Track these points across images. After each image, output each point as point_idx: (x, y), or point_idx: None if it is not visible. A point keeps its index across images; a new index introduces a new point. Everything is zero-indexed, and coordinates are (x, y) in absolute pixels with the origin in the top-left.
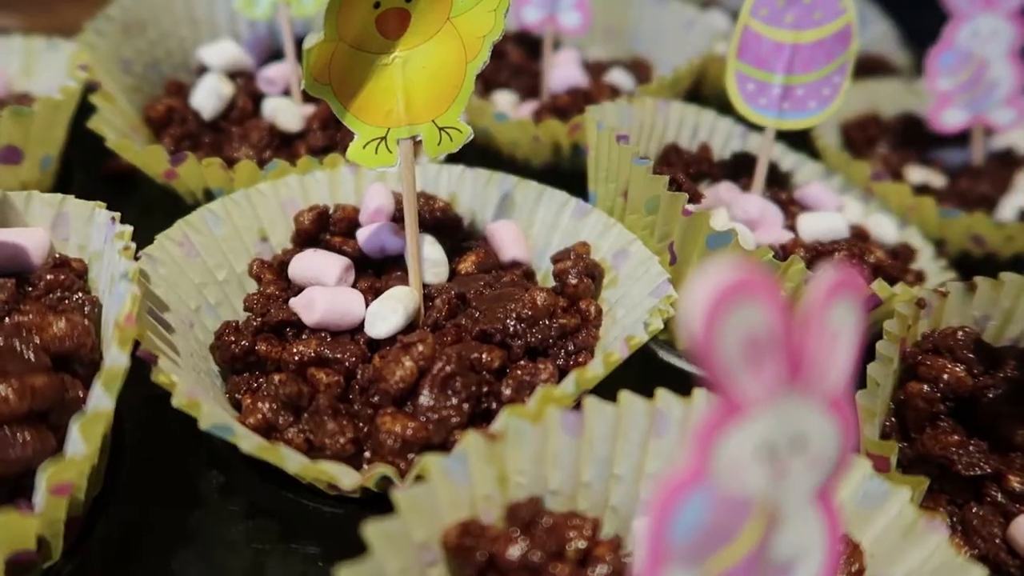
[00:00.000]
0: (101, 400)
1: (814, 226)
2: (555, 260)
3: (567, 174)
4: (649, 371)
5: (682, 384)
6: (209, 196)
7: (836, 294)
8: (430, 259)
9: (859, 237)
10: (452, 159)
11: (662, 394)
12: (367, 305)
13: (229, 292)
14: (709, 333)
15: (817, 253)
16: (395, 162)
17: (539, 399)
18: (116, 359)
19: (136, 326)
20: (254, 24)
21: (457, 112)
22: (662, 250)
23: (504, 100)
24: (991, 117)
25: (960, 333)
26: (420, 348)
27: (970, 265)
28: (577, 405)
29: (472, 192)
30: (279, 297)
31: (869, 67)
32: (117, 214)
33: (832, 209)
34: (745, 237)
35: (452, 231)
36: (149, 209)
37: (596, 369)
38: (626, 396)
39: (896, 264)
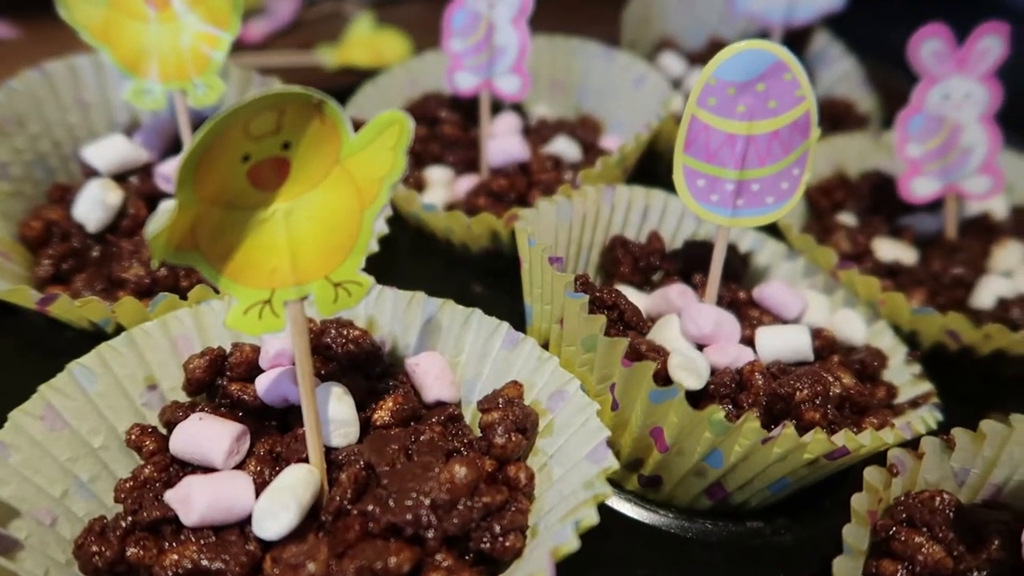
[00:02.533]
0: None
1: (773, 344)
2: (482, 409)
3: (509, 259)
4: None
5: (630, 535)
6: (96, 325)
7: None
8: (336, 420)
9: (825, 346)
10: (379, 262)
11: None
12: (260, 487)
13: (109, 460)
14: None
15: (775, 396)
16: (283, 326)
17: None
18: None
19: None
20: None
21: (354, 264)
22: (603, 391)
23: (438, 176)
24: (965, 186)
25: (938, 500)
26: (311, 568)
27: (946, 360)
28: None
29: (392, 315)
30: (157, 481)
31: (835, 113)
32: None
33: (795, 312)
34: (696, 367)
35: (369, 365)
36: (29, 342)
37: None
38: None
39: (864, 390)
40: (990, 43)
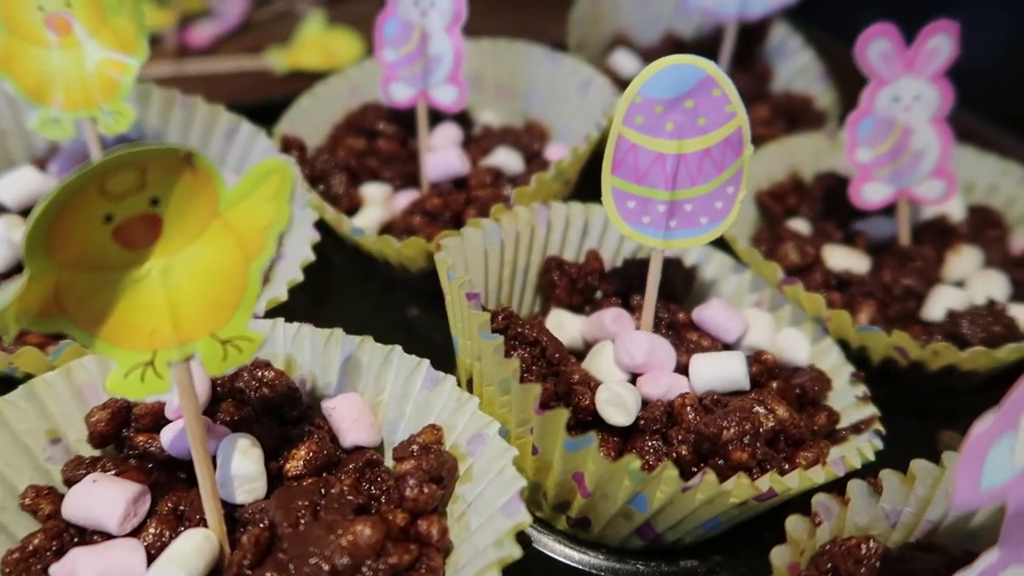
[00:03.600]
0: None
1: (708, 373)
2: (396, 457)
3: None
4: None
5: None
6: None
7: None
8: (240, 475)
9: (763, 371)
10: (314, 285)
11: None
12: (159, 550)
13: (8, 521)
14: None
15: (701, 436)
16: (168, 388)
17: None
18: None
19: None
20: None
21: (243, 320)
22: (523, 433)
23: (374, 193)
24: (917, 191)
25: (864, 548)
26: None
27: (897, 374)
28: None
29: (312, 354)
30: (47, 551)
31: (793, 109)
32: None
33: (735, 334)
34: (624, 402)
35: (285, 408)
36: None
37: None
38: None
39: (799, 422)
40: (940, 42)
